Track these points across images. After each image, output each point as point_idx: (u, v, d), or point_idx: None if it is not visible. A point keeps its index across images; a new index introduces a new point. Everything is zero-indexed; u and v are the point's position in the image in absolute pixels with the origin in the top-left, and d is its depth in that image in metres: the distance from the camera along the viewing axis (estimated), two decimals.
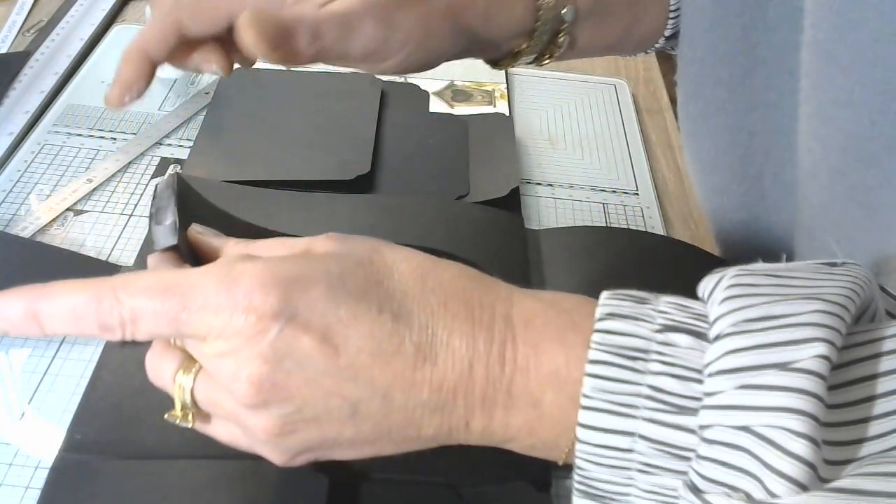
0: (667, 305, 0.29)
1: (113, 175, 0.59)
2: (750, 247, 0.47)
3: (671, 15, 0.50)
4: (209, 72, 0.42)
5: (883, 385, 0.25)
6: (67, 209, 0.56)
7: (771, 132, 0.42)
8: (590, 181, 0.64)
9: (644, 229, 0.59)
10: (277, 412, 0.30)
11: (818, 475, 0.24)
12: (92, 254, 0.52)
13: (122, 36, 0.77)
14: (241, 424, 0.31)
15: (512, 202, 0.59)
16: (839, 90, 0.35)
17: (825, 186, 0.38)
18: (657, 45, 0.53)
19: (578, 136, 0.69)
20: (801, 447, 0.24)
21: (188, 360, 0.32)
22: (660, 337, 0.28)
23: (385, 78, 0.74)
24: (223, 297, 0.30)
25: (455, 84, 0.72)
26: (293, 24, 0.39)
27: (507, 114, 0.70)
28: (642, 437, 0.27)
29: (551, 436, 0.30)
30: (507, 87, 0.73)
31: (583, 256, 0.53)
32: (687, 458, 0.27)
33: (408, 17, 0.42)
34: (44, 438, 0.41)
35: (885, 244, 0.35)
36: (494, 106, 0.71)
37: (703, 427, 0.26)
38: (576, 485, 0.30)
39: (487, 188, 0.59)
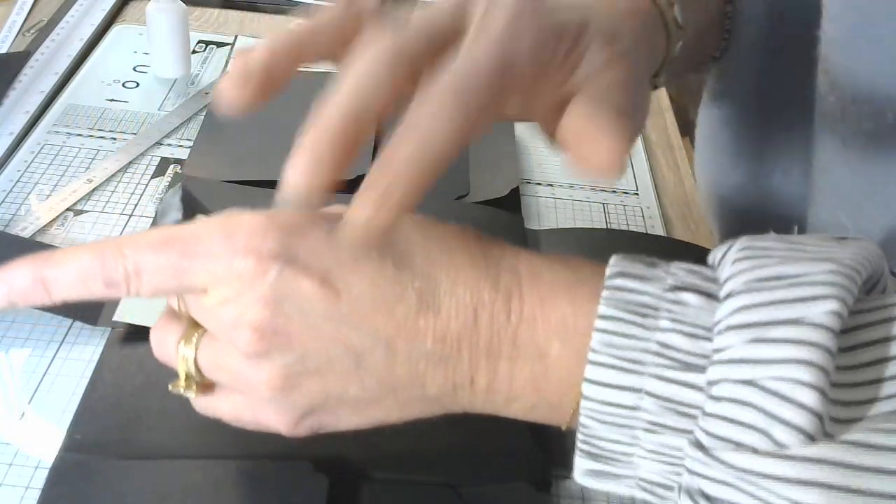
0: (677, 268, 0.29)
1: (113, 175, 0.59)
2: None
3: (725, 36, 0.48)
4: None
5: (894, 348, 0.25)
6: (67, 209, 0.56)
7: (784, 130, 0.42)
8: (590, 181, 0.64)
9: (644, 229, 0.59)
10: (280, 361, 0.30)
11: (824, 428, 0.24)
12: None
13: (122, 36, 0.77)
14: (245, 383, 0.31)
15: (512, 202, 0.59)
16: (860, 85, 0.34)
17: (844, 181, 0.38)
18: (706, 67, 0.51)
19: None
20: (809, 396, 0.24)
21: (191, 329, 0.32)
22: (670, 296, 0.27)
23: None
24: (223, 243, 0.30)
25: None
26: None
27: None
28: (649, 393, 0.27)
29: (556, 393, 0.30)
30: None
31: (583, 256, 0.53)
32: (693, 417, 0.26)
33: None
34: (44, 438, 0.41)
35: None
36: None
37: (710, 383, 0.26)
38: (579, 444, 0.29)
39: (487, 188, 0.59)
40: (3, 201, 0.56)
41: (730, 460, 0.25)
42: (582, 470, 0.30)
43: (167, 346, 0.33)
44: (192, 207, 0.35)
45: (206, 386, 0.33)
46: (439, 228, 0.32)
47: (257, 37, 0.78)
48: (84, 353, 0.46)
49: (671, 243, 0.57)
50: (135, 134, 0.64)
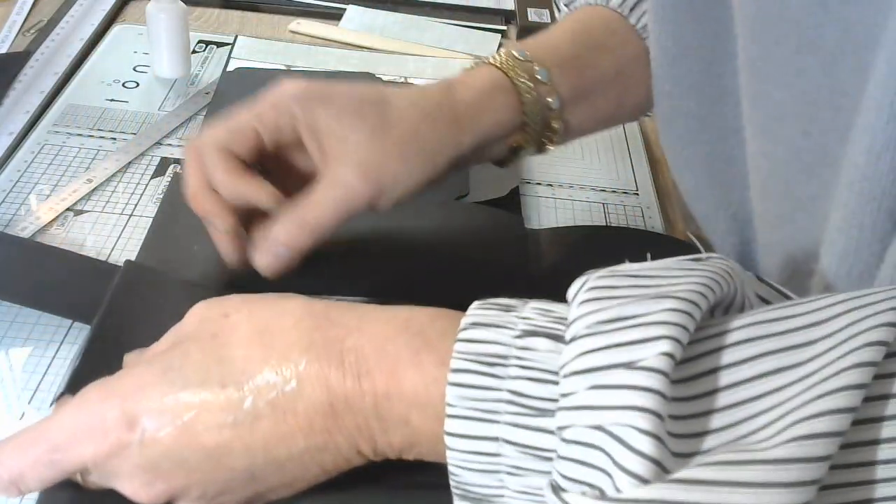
0: (531, 311, 0.30)
1: (113, 175, 0.59)
2: (746, 264, 0.47)
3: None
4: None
5: (725, 378, 0.26)
6: (67, 209, 0.56)
7: (745, 158, 0.42)
8: (590, 181, 0.64)
9: (644, 229, 0.59)
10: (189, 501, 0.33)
11: (664, 468, 0.24)
12: (92, 254, 0.52)
13: (122, 36, 0.77)
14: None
15: (512, 202, 0.59)
16: (774, 104, 0.36)
17: (777, 202, 0.39)
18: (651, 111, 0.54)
19: None
20: (646, 443, 0.24)
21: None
22: (519, 342, 0.29)
23: (385, 77, 0.74)
24: (78, 423, 0.33)
25: None
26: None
27: None
28: (506, 441, 0.28)
29: (430, 448, 0.31)
30: None
31: (583, 256, 0.53)
32: (550, 459, 0.27)
33: (412, 175, 0.43)
34: None
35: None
36: None
37: (560, 428, 0.26)
38: (453, 488, 0.31)
39: (487, 188, 0.59)
40: (3, 201, 0.56)
41: (574, 503, 0.26)
42: None
43: None
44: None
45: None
46: (277, 326, 0.33)
47: (257, 37, 0.78)
48: None
49: (672, 242, 0.57)
50: (135, 134, 0.64)
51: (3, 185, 0.58)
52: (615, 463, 0.25)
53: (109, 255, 0.53)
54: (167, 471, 0.32)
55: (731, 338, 0.27)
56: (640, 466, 0.24)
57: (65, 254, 0.52)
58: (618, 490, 0.25)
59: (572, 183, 0.64)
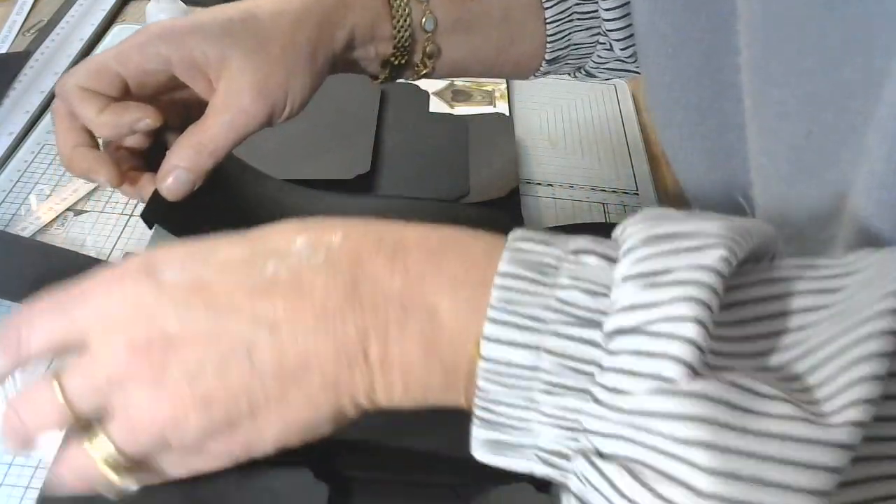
0: (581, 237, 0.29)
1: None
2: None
3: (549, 40, 0.52)
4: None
5: (770, 306, 0.26)
6: (67, 209, 0.56)
7: (747, 153, 0.42)
8: (590, 181, 0.64)
9: None
10: (179, 374, 0.29)
11: (705, 362, 0.24)
12: (92, 254, 0.52)
13: (122, 36, 0.77)
14: (159, 421, 0.30)
15: (512, 202, 0.59)
16: (777, 103, 0.35)
17: (778, 200, 0.39)
18: (543, 69, 0.54)
19: (578, 136, 0.69)
20: (691, 329, 0.24)
21: (87, 429, 0.31)
22: (571, 257, 0.28)
23: None
24: (97, 279, 0.31)
25: (455, 84, 0.72)
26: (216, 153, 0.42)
27: (507, 114, 0.70)
28: (548, 351, 0.26)
29: (449, 353, 0.29)
30: (507, 88, 0.73)
31: None
32: (590, 374, 0.26)
33: (292, 87, 0.43)
34: (44, 438, 0.41)
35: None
36: (494, 106, 0.71)
37: (607, 335, 0.26)
38: (476, 412, 0.28)
39: (488, 188, 0.59)
40: (3, 201, 0.56)
41: (621, 404, 0.25)
42: (480, 441, 0.29)
43: (77, 461, 0.31)
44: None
45: (136, 463, 0.32)
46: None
47: None
48: None
49: None
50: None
51: (3, 185, 0.58)
52: (662, 355, 0.24)
53: (109, 255, 0.53)
54: (166, 326, 0.29)
55: (773, 273, 0.27)
56: (685, 352, 0.24)
57: (65, 253, 0.52)
58: (667, 381, 0.24)
59: (572, 183, 0.64)
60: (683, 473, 0.23)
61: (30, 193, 0.57)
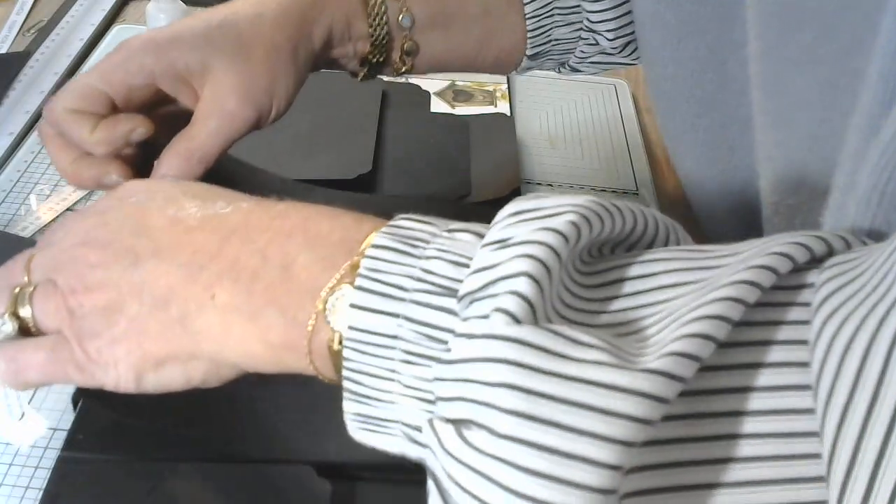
0: (472, 223, 0.29)
1: None
2: None
3: (530, 35, 0.51)
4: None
5: (629, 283, 0.26)
6: (67, 209, 0.56)
7: (751, 146, 0.42)
8: (590, 181, 0.64)
9: None
10: (87, 259, 0.33)
11: (535, 317, 0.24)
12: None
13: (122, 36, 0.77)
14: (71, 279, 0.33)
15: None
16: (793, 92, 0.35)
17: (793, 193, 0.38)
18: (524, 65, 0.54)
19: (578, 136, 0.69)
20: (523, 284, 0.24)
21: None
22: (445, 234, 0.28)
23: (386, 78, 0.73)
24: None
25: (456, 84, 0.72)
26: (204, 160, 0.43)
27: (509, 114, 0.70)
28: (407, 318, 0.26)
29: (293, 303, 0.29)
30: (509, 88, 0.73)
31: None
32: (445, 342, 0.26)
33: (269, 92, 0.43)
34: (44, 438, 0.41)
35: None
36: (496, 106, 0.71)
37: (459, 301, 0.26)
38: (345, 383, 0.28)
39: (489, 188, 0.59)
40: (3, 201, 0.56)
41: (447, 357, 0.25)
42: (350, 415, 0.29)
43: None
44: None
45: (24, 329, 0.35)
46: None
47: None
48: None
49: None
50: None
51: (3, 185, 0.58)
52: (496, 308, 0.24)
53: None
54: (102, 233, 0.34)
55: (646, 256, 0.27)
56: (513, 304, 0.24)
57: None
58: (488, 329, 0.24)
59: (572, 183, 0.64)
60: (488, 417, 0.23)
61: (30, 193, 0.57)
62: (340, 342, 0.28)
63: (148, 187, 0.36)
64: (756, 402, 0.23)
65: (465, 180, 0.59)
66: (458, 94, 0.71)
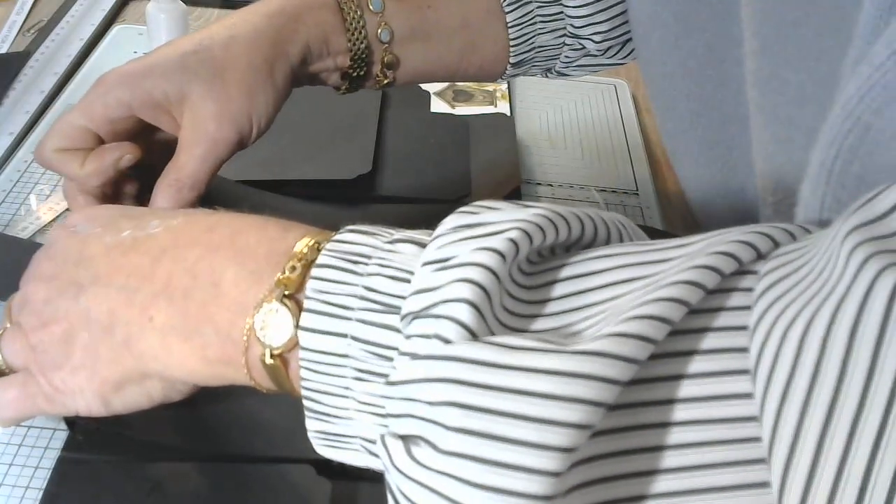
0: (414, 231, 0.29)
1: None
2: None
3: (512, 43, 0.52)
4: None
5: (572, 281, 0.26)
6: (67, 209, 0.56)
7: (749, 145, 0.42)
8: (590, 181, 0.64)
9: (644, 225, 0.59)
10: (41, 294, 0.34)
11: (476, 335, 0.24)
12: None
13: (122, 36, 0.77)
14: (31, 317, 0.34)
15: None
16: (791, 89, 0.35)
17: (794, 186, 0.38)
18: (508, 72, 0.54)
19: (578, 136, 0.69)
20: (464, 312, 0.24)
21: None
22: (387, 246, 0.28)
23: None
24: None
25: (456, 84, 0.72)
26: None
27: (509, 114, 0.70)
28: (355, 338, 0.27)
29: (226, 320, 0.30)
30: (509, 88, 0.73)
31: None
32: (391, 359, 0.26)
33: (245, 113, 0.43)
34: (44, 438, 0.41)
35: None
36: (496, 106, 0.71)
37: (402, 319, 0.26)
38: (304, 402, 0.29)
39: (489, 188, 0.59)
40: (3, 201, 0.56)
41: (393, 377, 0.25)
42: (313, 432, 0.29)
43: None
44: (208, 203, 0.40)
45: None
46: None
47: None
48: None
49: (669, 236, 0.57)
50: None
51: (3, 185, 0.58)
52: (436, 334, 0.24)
53: None
54: (49, 268, 0.35)
55: (590, 254, 0.27)
56: (455, 334, 0.24)
57: None
58: (431, 350, 0.24)
59: (572, 183, 0.64)
60: (433, 434, 0.23)
61: (30, 193, 0.57)
62: (272, 356, 0.29)
63: (87, 215, 0.36)
64: (696, 388, 0.24)
65: (464, 180, 0.59)
66: (457, 95, 0.71)
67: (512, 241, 0.25)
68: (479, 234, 0.26)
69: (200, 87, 0.42)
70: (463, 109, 0.70)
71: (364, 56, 0.48)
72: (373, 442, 0.28)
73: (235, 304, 0.30)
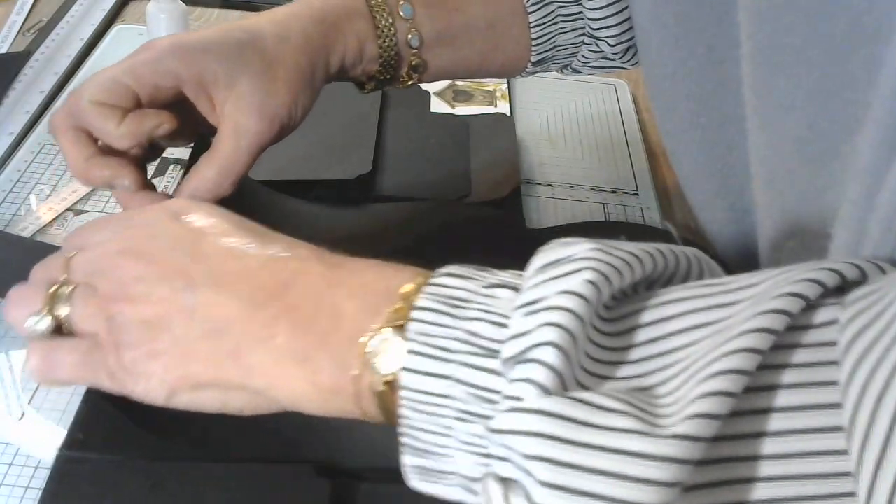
0: (506, 273, 0.30)
1: None
2: (744, 257, 0.47)
3: (534, 43, 0.52)
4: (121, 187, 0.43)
5: (650, 328, 0.27)
6: (67, 209, 0.56)
7: (748, 146, 0.42)
8: (590, 181, 0.64)
9: (645, 224, 0.59)
10: (142, 274, 0.34)
11: (564, 383, 0.25)
12: None
13: (122, 36, 0.77)
14: (117, 287, 0.34)
15: (513, 202, 0.59)
16: (782, 95, 0.36)
17: (783, 195, 0.39)
18: (528, 70, 0.55)
19: (578, 136, 0.69)
20: (552, 355, 0.25)
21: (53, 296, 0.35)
22: (485, 291, 0.29)
23: None
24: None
25: (456, 84, 0.72)
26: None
27: (509, 114, 0.70)
28: (458, 380, 0.28)
29: (341, 349, 0.31)
30: (509, 88, 0.73)
31: None
32: (495, 402, 0.27)
33: (284, 104, 0.44)
34: (44, 438, 0.41)
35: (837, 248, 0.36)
36: (495, 106, 0.71)
37: (503, 363, 0.27)
38: (402, 438, 0.30)
39: (489, 188, 0.59)
40: (3, 201, 0.56)
41: (491, 426, 0.26)
42: (410, 468, 0.30)
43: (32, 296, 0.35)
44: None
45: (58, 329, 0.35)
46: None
47: None
48: None
49: (671, 237, 0.57)
50: None
51: (3, 185, 0.58)
52: (528, 378, 0.25)
53: None
54: (161, 252, 0.34)
55: (665, 297, 0.28)
56: (544, 376, 0.25)
57: None
58: (518, 399, 0.25)
59: (572, 183, 0.64)
60: (527, 484, 0.25)
61: (30, 193, 0.57)
62: (385, 384, 0.29)
63: (200, 210, 0.36)
64: (782, 445, 0.24)
65: (465, 180, 0.59)
66: (458, 95, 0.71)
67: (590, 282, 0.26)
68: (559, 275, 0.27)
69: (251, 79, 0.43)
70: (463, 109, 0.70)
71: (393, 62, 0.49)
72: (472, 479, 0.29)
73: (353, 334, 0.31)
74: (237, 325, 0.32)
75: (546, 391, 0.25)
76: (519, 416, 0.25)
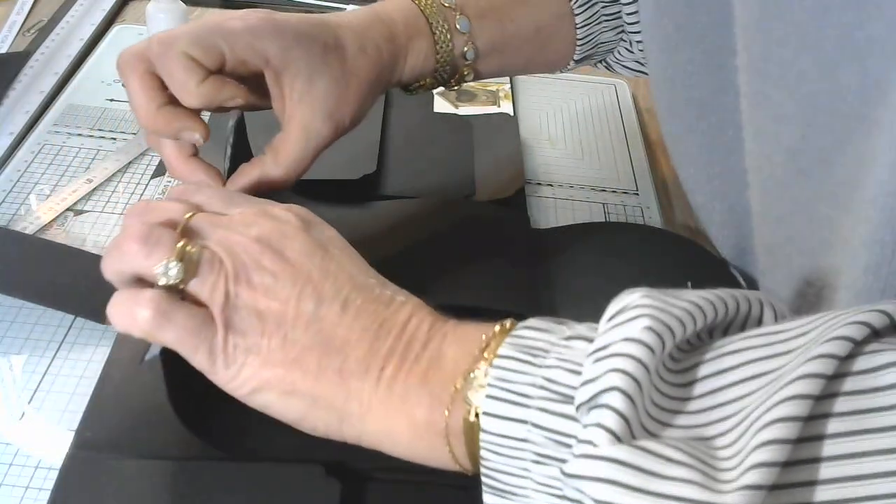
0: (582, 325, 0.31)
1: (113, 175, 0.59)
2: (743, 258, 0.47)
3: (579, 42, 0.54)
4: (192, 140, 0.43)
5: (710, 379, 0.28)
6: (67, 209, 0.56)
7: (745, 153, 0.43)
8: (590, 181, 0.64)
9: (647, 225, 0.59)
10: (272, 275, 0.34)
11: (631, 428, 0.26)
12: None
13: (122, 36, 0.77)
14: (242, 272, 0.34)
15: (517, 202, 0.59)
16: (774, 105, 0.36)
17: (776, 202, 0.39)
18: (569, 67, 0.56)
19: (578, 136, 0.69)
20: (616, 399, 0.26)
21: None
22: (563, 342, 0.31)
23: None
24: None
25: None
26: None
27: (512, 114, 0.70)
28: (535, 425, 0.29)
29: (439, 385, 0.32)
30: (512, 88, 0.73)
31: (588, 254, 0.53)
32: (570, 446, 0.28)
33: (351, 109, 0.45)
34: (44, 438, 0.41)
35: (825, 257, 0.36)
36: (499, 106, 0.71)
37: (578, 409, 0.28)
38: (483, 479, 0.31)
39: (493, 188, 0.59)
40: (3, 201, 0.56)
41: (566, 470, 0.27)
42: None
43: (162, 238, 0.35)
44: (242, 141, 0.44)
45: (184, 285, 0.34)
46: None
47: None
48: (84, 353, 0.46)
49: (670, 236, 0.57)
50: (135, 134, 0.64)
51: (3, 185, 0.58)
52: (598, 423, 0.26)
53: None
54: (293, 254, 0.35)
55: (723, 349, 0.29)
56: (612, 421, 0.26)
57: (68, 250, 0.51)
58: (593, 445, 0.26)
59: (572, 183, 0.64)
60: None
61: (30, 193, 0.57)
62: (476, 415, 0.31)
63: (323, 225, 0.38)
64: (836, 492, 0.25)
65: (468, 180, 0.59)
66: (461, 95, 0.71)
67: (649, 328, 0.27)
68: (623, 321, 0.28)
69: (328, 83, 0.44)
70: (466, 109, 0.70)
71: (446, 74, 0.50)
72: None
73: (451, 375, 0.32)
74: (353, 349, 0.33)
75: (616, 436, 0.26)
76: (591, 463, 0.26)
